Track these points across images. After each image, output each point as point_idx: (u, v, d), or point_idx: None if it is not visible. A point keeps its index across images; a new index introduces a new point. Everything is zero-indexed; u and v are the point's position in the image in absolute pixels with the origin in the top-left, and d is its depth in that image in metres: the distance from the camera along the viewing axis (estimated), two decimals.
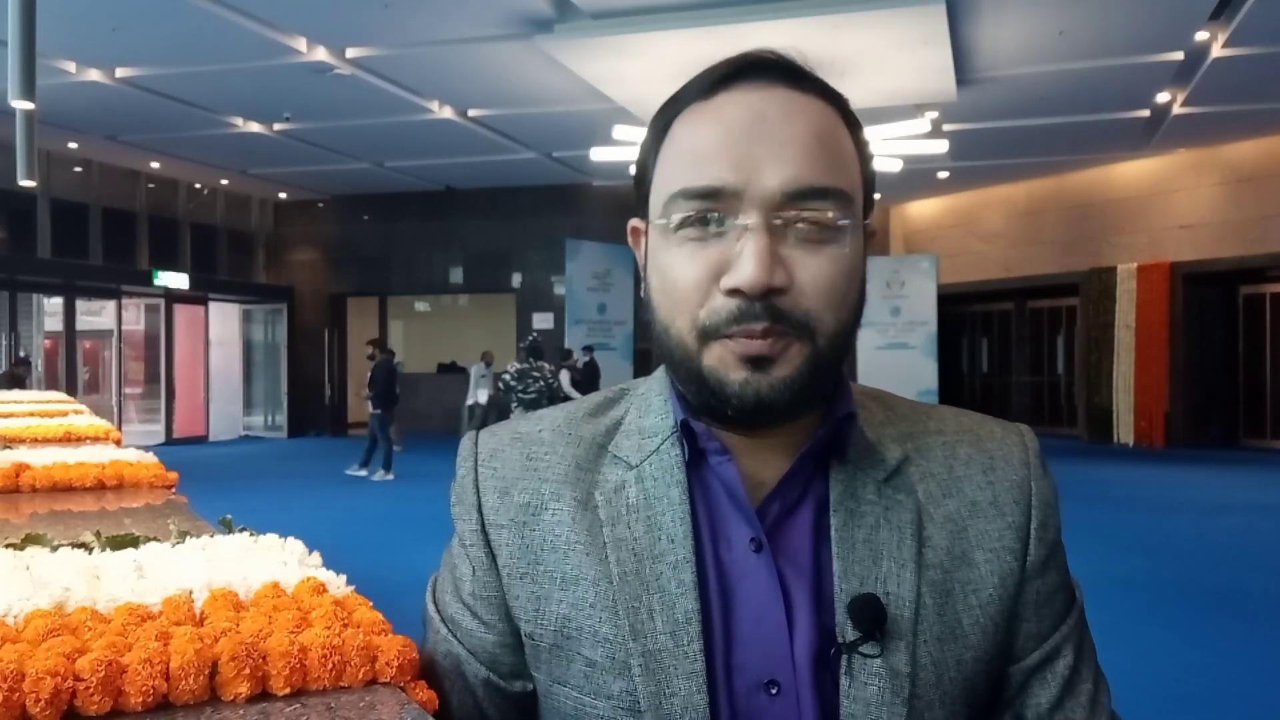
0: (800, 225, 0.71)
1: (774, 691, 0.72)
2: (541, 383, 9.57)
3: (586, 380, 12.39)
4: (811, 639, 0.73)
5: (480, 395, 13.19)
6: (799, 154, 0.71)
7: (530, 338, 10.12)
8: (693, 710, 0.71)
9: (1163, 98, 11.56)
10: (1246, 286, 14.96)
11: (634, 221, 0.82)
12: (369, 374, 12.04)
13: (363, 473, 11.61)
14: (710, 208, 0.72)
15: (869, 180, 0.78)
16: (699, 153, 0.73)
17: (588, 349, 13.51)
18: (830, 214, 0.72)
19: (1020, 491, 0.81)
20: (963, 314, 18.35)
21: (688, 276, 0.73)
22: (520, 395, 9.55)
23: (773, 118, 0.72)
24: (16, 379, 10.72)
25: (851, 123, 0.77)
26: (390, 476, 11.51)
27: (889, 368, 14.47)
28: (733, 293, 0.71)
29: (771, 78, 0.74)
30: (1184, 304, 14.68)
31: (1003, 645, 0.78)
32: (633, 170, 0.84)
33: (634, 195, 0.82)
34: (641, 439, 0.81)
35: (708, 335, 0.72)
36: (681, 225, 0.73)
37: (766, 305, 0.70)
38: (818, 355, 0.73)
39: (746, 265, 0.70)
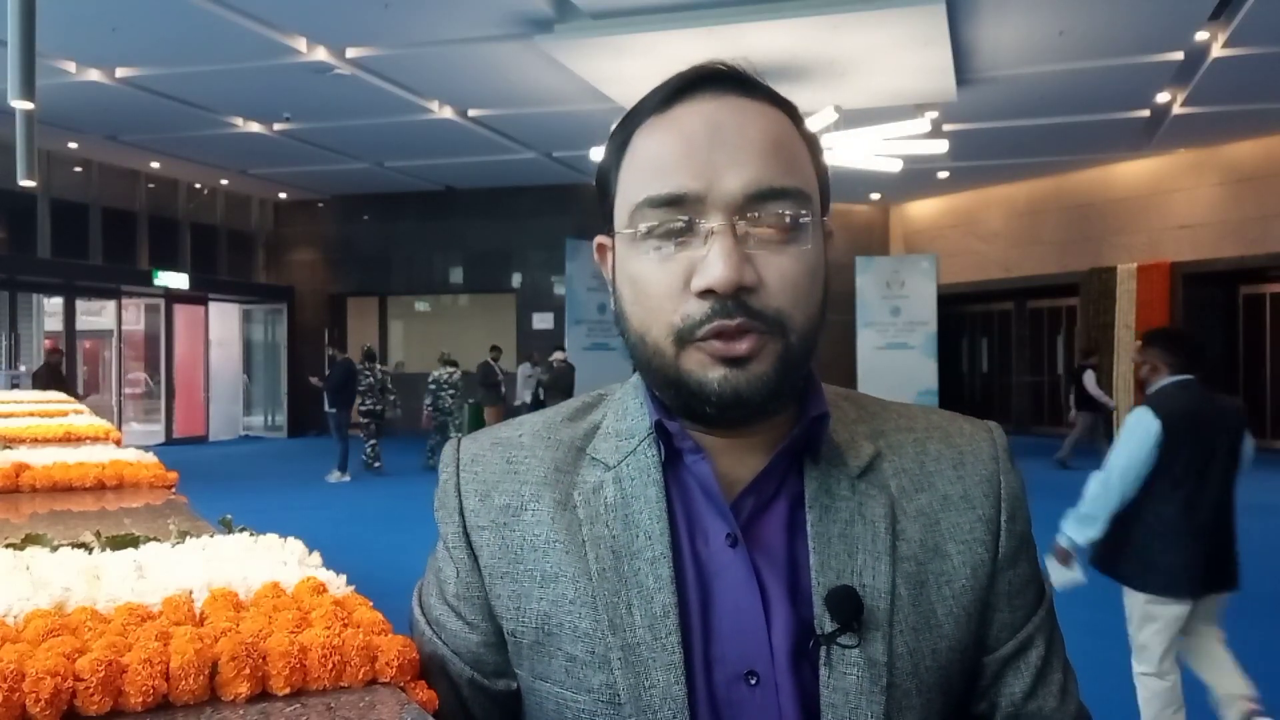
0: (763, 227, 0.74)
1: (753, 682, 0.74)
2: (371, 379, 11.94)
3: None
4: (789, 630, 0.75)
5: (526, 395, 13.30)
6: (756, 158, 0.74)
7: (365, 346, 12.55)
8: (671, 701, 0.73)
9: (1163, 98, 11.55)
10: (1246, 286, 14.94)
11: (600, 238, 0.84)
12: (325, 371, 12.44)
13: (346, 477, 11.47)
14: (675, 214, 0.74)
15: (824, 180, 0.80)
16: (661, 162, 0.75)
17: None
18: (790, 213, 0.74)
19: (990, 485, 0.83)
20: (963, 314, 18.34)
21: (660, 283, 0.75)
22: (358, 390, 11.91)
23: (728, 125, 0.75)
24: (53, 371, 10.66)
25: (802, 126, 0.80)
26: (346, 478, 11.40)
27: (889, 368, 14.47)
28: (705, 294, 0.73)
29: (724, 88, 0.77)
30: (1184, 304, 14.66)
31: (977, 635, 0.80)
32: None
33: (599, 211, 0.83)
34: (619, 441, 0.83)
35: (684, 340, 0.74)
36: (648, 234, 0.75)
37: (739, 303, 0.72)
38: (789, 352, 0.75)
39: (715, 265, 0.72)
